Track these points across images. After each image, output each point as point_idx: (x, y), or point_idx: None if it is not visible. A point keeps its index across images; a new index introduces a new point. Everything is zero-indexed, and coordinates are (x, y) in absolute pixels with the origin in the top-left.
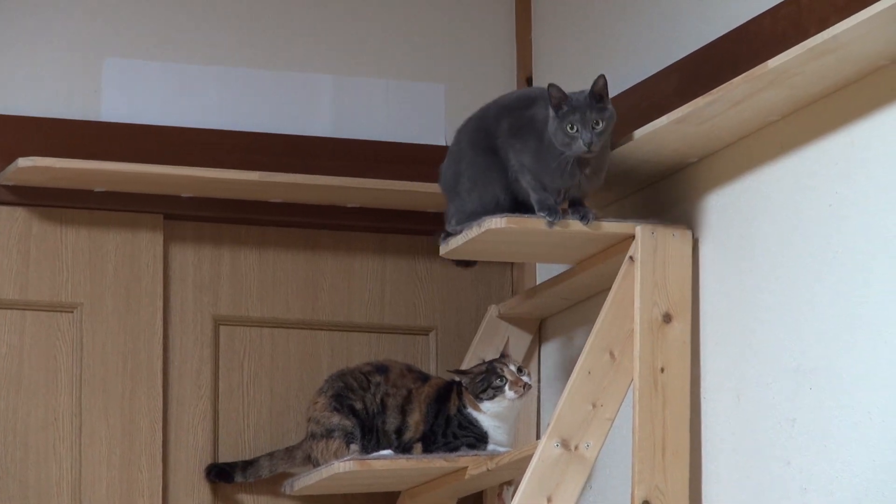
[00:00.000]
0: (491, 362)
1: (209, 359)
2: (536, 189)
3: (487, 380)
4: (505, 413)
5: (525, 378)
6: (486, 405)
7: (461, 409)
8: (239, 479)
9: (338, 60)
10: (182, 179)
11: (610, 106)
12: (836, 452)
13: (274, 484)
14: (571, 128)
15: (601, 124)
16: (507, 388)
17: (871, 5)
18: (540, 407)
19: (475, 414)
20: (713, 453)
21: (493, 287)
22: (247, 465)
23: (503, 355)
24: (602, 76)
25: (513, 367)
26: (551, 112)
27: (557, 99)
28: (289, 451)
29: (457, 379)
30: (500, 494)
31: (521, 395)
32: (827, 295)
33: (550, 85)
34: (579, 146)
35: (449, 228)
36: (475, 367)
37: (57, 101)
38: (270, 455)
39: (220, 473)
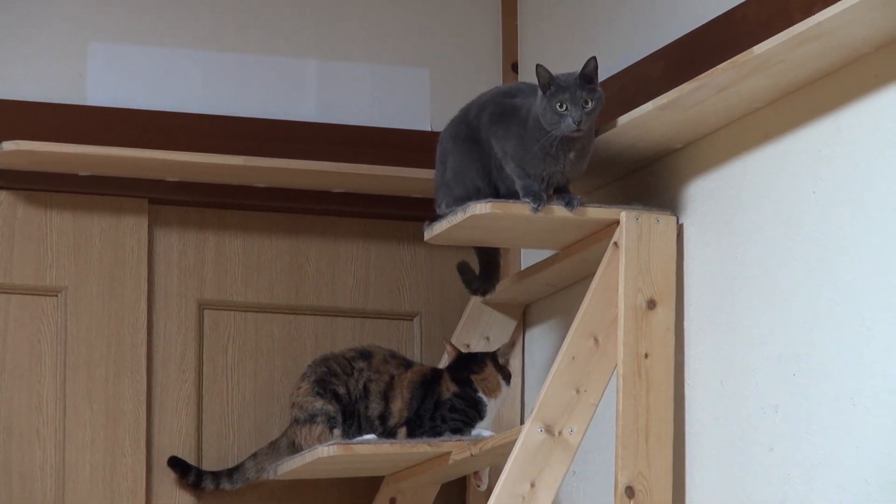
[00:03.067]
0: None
1: (193, 343)
2: (521, 176)
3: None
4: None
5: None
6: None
7: (463, 395)
8: (226, 486)
9: (323, 45)
10: (167, 164)
11: (599, 88)
12: (820, 439)
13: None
14: (561, 106)
15: (590, 104)
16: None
17: None
18: (524, 392)
19: (486, 398)
20: (697, 439)
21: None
22: (232, 471)
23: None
24: (593, 58)
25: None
26: (539, 93)
27: (545, 79)
28: (272, 446)
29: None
30: (477, 473)
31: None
32: (812, 281)
33: (538, 65)
34: (568, 124)
35: (438, 211)
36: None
37: (42, 84)
38: (254, 455)
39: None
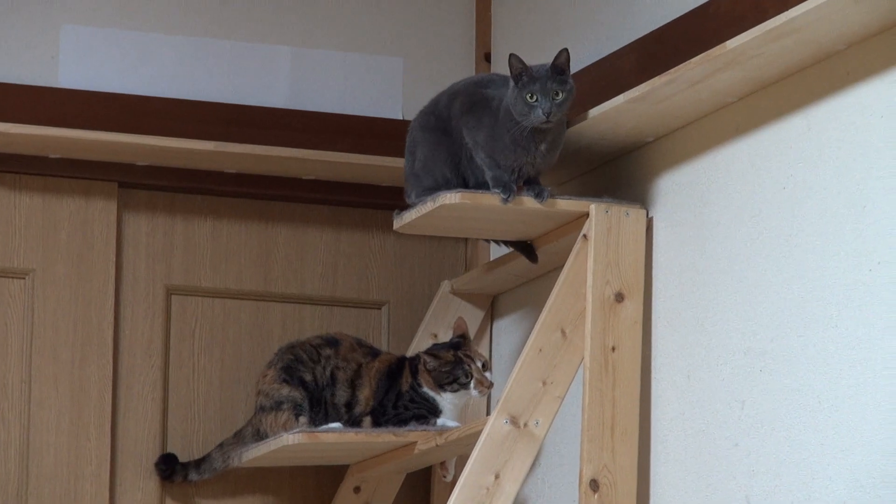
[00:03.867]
0: (457, 354)
1: (160, 328)
2: (491, 166)
3: (454, 373)
4: (462, 401)
5: (489, 377)
6: (447, 395)
7: (415, 388)
8: (194, 476)
9: (296, 32)
10: (137, 148)
11: (570, 80)
12: (785, 435)
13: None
14: (531, 97)
15: (561, 95)
16: (472, 385)
17: None
18: None
19: (432, 394)
20: (662, 433)
21: (446, 262)
22: (199, 462)
23: (464, 338)
24: (565, 50)
25: (479, 364)
26: (511, 84)
27: (518, 69)
28: (237, 435)
29: (427, 361)
30: (443, 463)
31: (483, 394)
32: (779, 277)
33: (511, 55)
34: (538, 115)
35: (408, 201)
36: (443, 351)
37: (14, 66)
38: (220, 445)
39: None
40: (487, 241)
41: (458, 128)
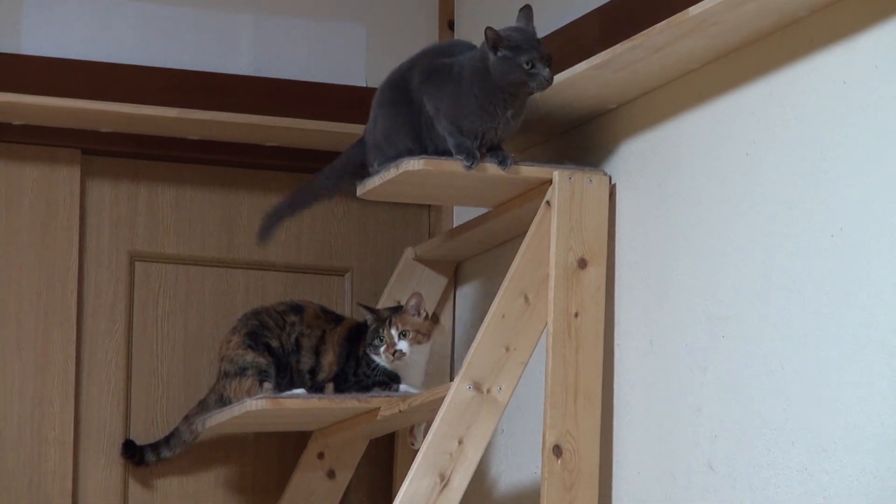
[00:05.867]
0: (388, 315)
1: (124, 294)
2: (453, 133)
3: (374, 334)
4: (392, 365)
5: (401, 344)
6: (374, 357)
7: (366, 351)
8: (166, 454)
9: None
10: (100, 114)
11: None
12: (748, 401)
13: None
14: (528, 64)
15: (551, 59)
16: (382, 350)
17: None
18: (454, 350)
19: (374, 358)
20: (625, 399)
21: (409, 229)
22: (168, 439)
23: (402, 308)
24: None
25: (396, 331)
26: (490, 54)
27: (493, 41)
28: (201, 404)
29: (364, 315)
30: (412, 431)
31: (391, 362)
32: (742, 244)
33: (488, 28)
34: (542, 81)
35: (371, 171)
36: (385, 309)
37: None
38: (186, 418)
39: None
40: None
41: (419, 97)
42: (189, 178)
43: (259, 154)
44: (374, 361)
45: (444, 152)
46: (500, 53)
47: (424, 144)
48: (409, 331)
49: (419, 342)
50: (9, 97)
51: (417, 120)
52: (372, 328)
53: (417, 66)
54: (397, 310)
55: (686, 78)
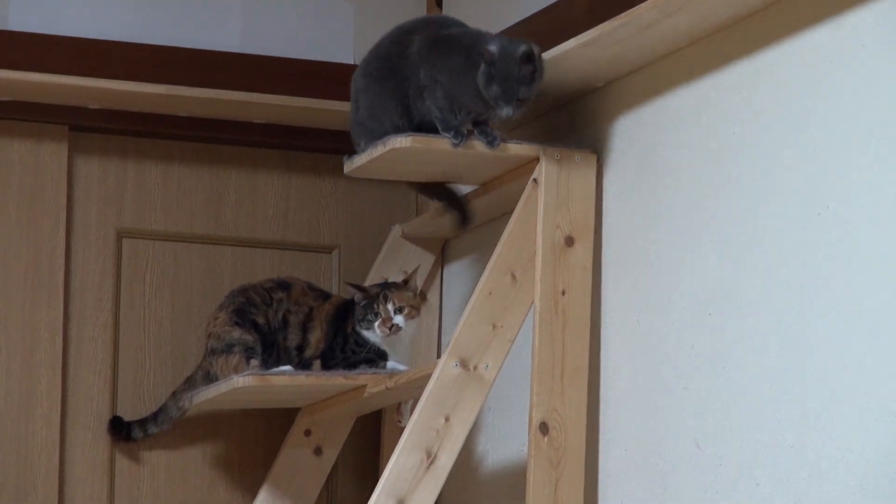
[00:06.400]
0: (379, 291)
1: (111, 271)
2: (443, 108)
3: (366, 309)
4: (382, 340)
5: (397, 319)
6: (364, 333)
7: (354, 328)
8: (153, 430)
9: None
10: (89, 91)
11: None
12: (734, 377)
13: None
14: (494, 99)
15: (526, 95)
16: (377, 324)
17: None
18: (441, 327)
19: (365, 334)
20: (612, 377)
21: (397, 207)
22: (155, 415)
23: (403, 284)
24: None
25: (392, 306)
26: (482, 65)
27: (489, 59)
28: (188, 381)
29: (353, 293)
30: (398, 408)
31: (387, 335)
32: (728, 222)
33: (486, 51)
34: (499, 116)
35: (357, 150)
36: (373, 286)
37: None
38: (173, 394)
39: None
40: (426, 196)
41: (411, 66)
42: (177, 154)
43: (247, 131)
44: (363, 338)
45: (429, 122)
46: (483, 69)
47: (412, 118)
48: (404, 306)
49: (412, 318)
50: None
51: (404, 92)
52: (362, 304)
53: (419, 33)
54: (389, 285)
55: (674, 56)
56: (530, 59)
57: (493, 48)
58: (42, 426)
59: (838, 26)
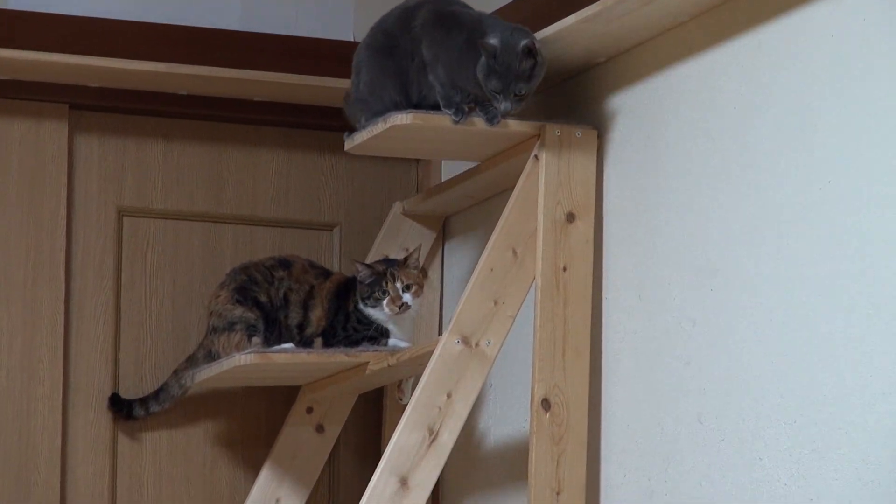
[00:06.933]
0: (385, 268)
1: (112, 250)
2: (445, 85)
3: (372, 287)
4: (389, 318)
5: (406, 297)
6: (369, 311)
7: (356, 305)
8: (155, 408)
9: None
10: (88, 69)
11: (538, 67)
12: (736, 353)
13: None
14: (492, 93)
15: (525, 90)
16: (385, 303)
17: None
18: (442, 304)
19: (368, 311)
20: (614, 353)
21: (397, 184)
22: (157, 393)
23: (404, 261)
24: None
25: (400, 284)
26: (482, 58)
27: (490, 52)
28: (189, 359)
29: (357, 269)
30: (399, 386)
31: (395, 314)
32: (730, 197)
33: (482, 42)
34: (492, 114)
35: (358, 126)
36: (377, 262)
37: None
38: (174, 373)
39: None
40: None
41: (414, 41)
42: (177, 132)
43: (247, 108)
44: (365, 315)
45: (431, 103)
46: (482, 62)
47: (410, 96)
48: (412, 284)
49: (418, 296)
50: None
51: (405, 68)
52: (367, 282)
53: (423, 8)
54: (393, 262)
55: (675, 31)
56: (531, 53)
57: (493, 41)
58: (44, 405)
59: (839, 0)
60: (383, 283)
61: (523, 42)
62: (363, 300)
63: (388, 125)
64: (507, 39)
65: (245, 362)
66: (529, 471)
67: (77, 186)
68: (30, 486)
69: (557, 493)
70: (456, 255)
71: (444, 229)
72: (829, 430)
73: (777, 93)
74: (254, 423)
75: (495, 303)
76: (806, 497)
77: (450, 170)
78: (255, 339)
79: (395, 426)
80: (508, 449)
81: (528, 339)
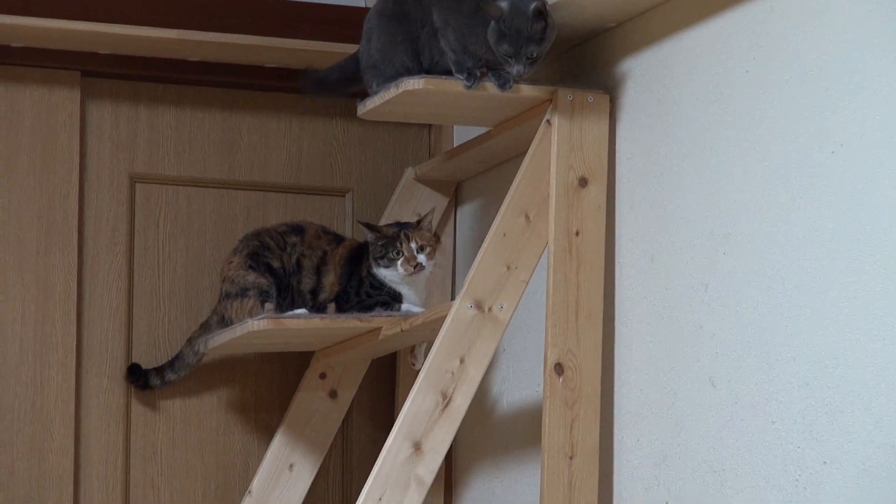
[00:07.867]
0: (398, 230)
1: (125, 216)
2: (456, 50)
3: (386, 248)
4: (402, 280)
5: (421, 258)
6: (382, 272)
7: (369, 270)
8: (171, 377)
9: None
10: (101, 36)
11: (549, 30)
12: (748, 317)
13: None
14: (504, 57)
15: (536, 53)
16: (399, 263)
17: None
18: (455, 269)
19: (381, 272)
20: (626, 317)
21: (409, 149)
22: (172, 362)
23: (417, 224)
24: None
25: (413, 245)
26: (492, 22)
27: (496, 14)
28: (203, 326)
29: (367, 233)
30: (412, 351)
31: (410, 274)
32: (742, 160)
33: (485, 3)
34: (504, 79)
35: (369, 91)
36: (387, 225)
37: None
38: (189, 341)
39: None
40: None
41: (424, 7)
42: (189, 99)
43: (259, 75)
44: (378, 280)
45: (443, 68)
46: (493, 26)
47: (422, 62)
48: (425, 245)
49: (431, 258)
50: (8, 19)
51: (416, 34)
52: (379, 244)
53: None
54: (405, 225)
55: None
56: (541, 15)
57: (503, 4)
58: (57, 373)
59: None
60: (398, 244)
61: (534, 5)
62: (376, 260)
63: (399, 90)
64: (517, 2)
65: (258, 328)
66: (542, 435)
67: (90, 153)
68: (43, 452)
69: (570, 458)
70: (468, 221)
71: (456, 194)
72: (842, 393)
73: (789, 56)
74: (267, 389)
75: (508, 268)
76: (819, 460)
77: (462, 135)
78: (268, 305)
79: (409, 391)
80: (521, 414)
81: (540, 303)
